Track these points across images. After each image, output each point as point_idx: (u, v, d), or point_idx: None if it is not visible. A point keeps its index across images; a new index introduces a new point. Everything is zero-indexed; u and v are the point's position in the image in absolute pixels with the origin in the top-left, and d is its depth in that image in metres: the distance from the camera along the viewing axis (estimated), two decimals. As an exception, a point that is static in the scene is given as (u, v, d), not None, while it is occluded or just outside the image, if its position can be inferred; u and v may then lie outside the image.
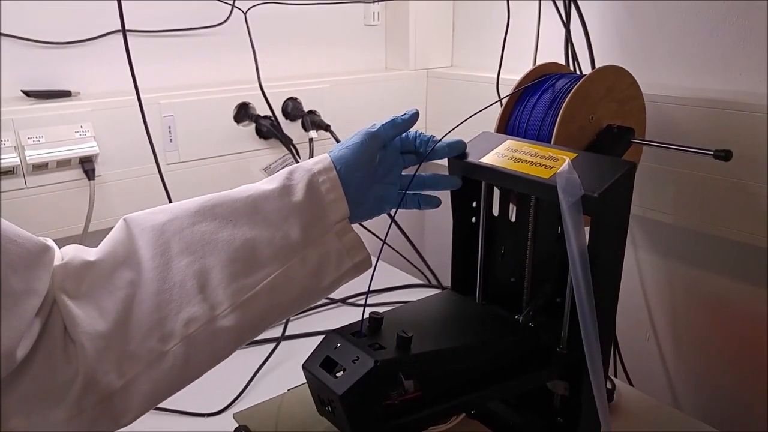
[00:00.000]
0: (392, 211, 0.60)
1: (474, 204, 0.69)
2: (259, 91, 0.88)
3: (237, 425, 0.54)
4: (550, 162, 0.58)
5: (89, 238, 0.83)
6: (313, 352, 0.50)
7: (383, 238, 0.70)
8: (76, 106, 0.76)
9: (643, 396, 0.76)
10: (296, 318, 0.94)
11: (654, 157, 0.77)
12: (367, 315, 0.52)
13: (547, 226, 0.62)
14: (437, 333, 0.54)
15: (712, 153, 0.62)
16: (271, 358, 0.83)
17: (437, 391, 0.50)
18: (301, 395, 0.59)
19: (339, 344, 0.49)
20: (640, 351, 0.91)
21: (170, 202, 0.78)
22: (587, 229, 0.54)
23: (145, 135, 0.78)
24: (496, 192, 0.68)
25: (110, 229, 0.83)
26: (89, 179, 0.76)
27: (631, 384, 0.85)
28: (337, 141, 0.98)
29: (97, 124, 0.77)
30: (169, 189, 0.83)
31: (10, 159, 0.70)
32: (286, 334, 0.88)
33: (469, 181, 0.66)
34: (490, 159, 0.62)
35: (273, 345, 0.85)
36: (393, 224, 1.00)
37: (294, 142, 0.94)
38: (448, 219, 0.68)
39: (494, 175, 0.61)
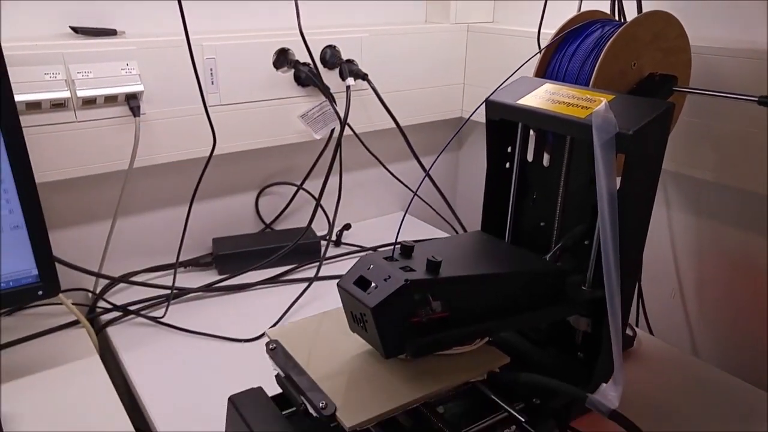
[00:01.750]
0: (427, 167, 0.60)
1: (509, 149, 0.70)
2: (299, 37, 0.89)
3: (269, 340, 0.57)
4: (587, 103, 0.58)
5: (134, 174, 0.87)
6: (347, 272, 0.52)
7: (414, 190, 0.71)
8: (122, 44, 0.78)
9: (663, 344, 0.77)
10: (327, 263, 0.97)
11: (694, 112, 0.76)
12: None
13: (580, 171, 0.63)
14: (465, 262, 0.56)
15: (756, 99, 0.61)
16: (302, 297, 0.86)
17: (463, 315, 0.51)
18: (334, 316, 0.61)
19: (372, 266, 0.51)
20: (664, 308, 0.91)
21: (215, 142, 0.80)
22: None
23: (188, 75, 0.80)
24: (532, 139, 0.69)
25: (155, 166, 0.88)
26: (134, 116, 0.79)
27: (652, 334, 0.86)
28: (375, 91, 0.99)
29: (142, 62, 0.79)
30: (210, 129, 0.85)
31: (62, 92, 0.73)
32: (319, 275, 0.92)
33: (506, 125, 0.67)
34: (527, 101, 0.62)
35: (305, 285, 0.89)
36: (426, 177, 0.99)
37: (331, 90, 0.95)
38: (481, 173, 0.69)
39: (530, 116, 0.61)
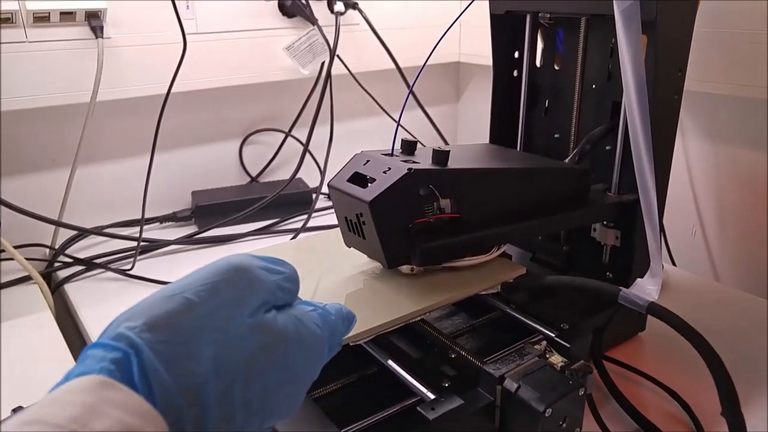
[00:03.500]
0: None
1: (516, 55, 0.62)
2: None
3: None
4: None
5: (100, 111, 0.78)
6: (339, 171, 0.44)
7: (398, 120, 0.63)
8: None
9: (687, 273, 0.73)
10: (318, 215, 0.89)
11: (704, 21, 0.68)
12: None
13: (595, 67, 0.55)
14: (477, 160, 0.48)
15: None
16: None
17: (475, 217, 0.44)
18: (330, 235, 0.53)
19: (369, 160, 0.43)
20: (685, 240, 0.85)
21: (185, 43, 0.70)
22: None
23: (158, -3, 0.72)
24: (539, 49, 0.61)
25: (123, 103, 0.79)
26: (96, 37, 0.70)
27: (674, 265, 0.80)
28: (366, 20, 0.90)
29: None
30: (187, 62, 0.77)
31: (8, 3, 0.64)
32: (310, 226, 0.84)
33: (512, 22, 0.59)
34: (538, -13, 0.55)
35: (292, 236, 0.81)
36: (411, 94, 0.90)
37: (319, 23, 0.87)
38: (483, 126, 0.61)
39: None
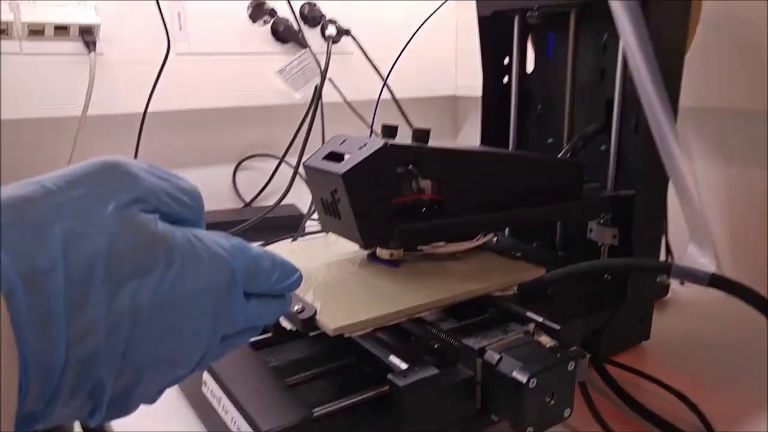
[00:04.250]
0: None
1: (506, 61, 0.62)
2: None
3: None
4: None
5: (90, 124, 0.77)
6: (314, 152, 0.43)
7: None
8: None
9: (698, 291, 0.66)
10: (309, 238, 0.87)
11: (708, 39, 0.68)
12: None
13: (588, 62, 0.54)
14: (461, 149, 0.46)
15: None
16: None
17: (458, 201, 0.42)
18: (314, 243, 0.51)
19: (345, 140, 0.42)
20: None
21: (168, 45, 0.71)
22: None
23: (152, 16, 0.73)
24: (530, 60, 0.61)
25: (114, 122, 0.78)
26: (89, 51, 0.71)
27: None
28: (362, 50, 0.91)
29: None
30: (179, 80, 0.78)
31: (4, 16, 0.65)
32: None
33: (501, 26, 0.59)
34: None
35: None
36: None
37: (312, 49, 0.88)
38: None
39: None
